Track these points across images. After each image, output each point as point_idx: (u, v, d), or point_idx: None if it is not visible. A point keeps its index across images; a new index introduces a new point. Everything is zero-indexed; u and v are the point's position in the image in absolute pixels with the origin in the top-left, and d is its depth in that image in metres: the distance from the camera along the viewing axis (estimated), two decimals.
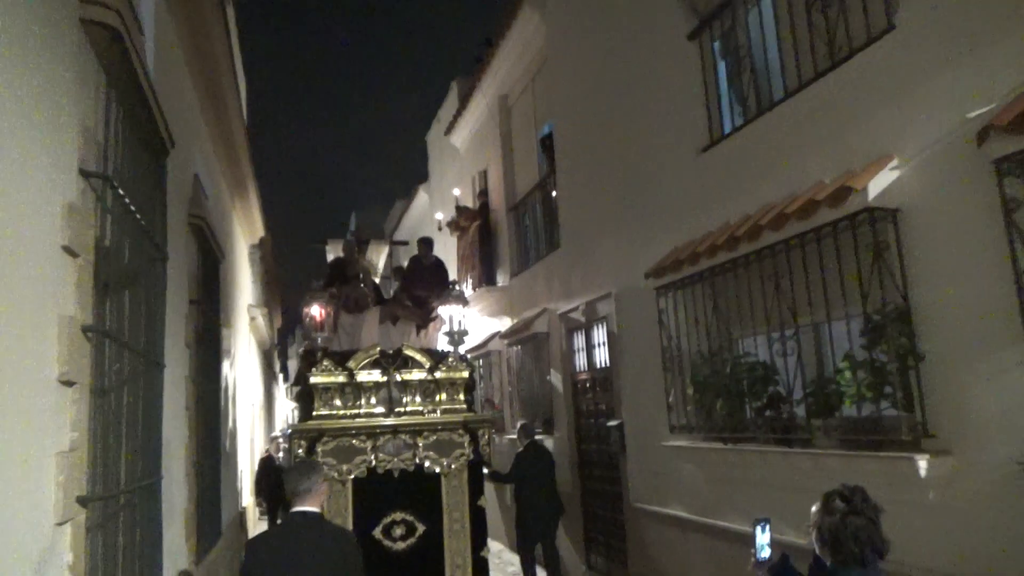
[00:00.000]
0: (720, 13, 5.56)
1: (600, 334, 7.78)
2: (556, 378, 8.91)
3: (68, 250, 2.87)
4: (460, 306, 7.11)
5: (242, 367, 11.98)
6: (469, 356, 8.89)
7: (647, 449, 6.57)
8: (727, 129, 5.56)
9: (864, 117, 4.11)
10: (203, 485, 6.40)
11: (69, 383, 2.82)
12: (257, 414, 16.69)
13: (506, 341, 10.53)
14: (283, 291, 20.38)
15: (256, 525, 14.67)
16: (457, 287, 8.04)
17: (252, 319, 13.82)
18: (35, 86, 2.57)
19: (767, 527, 2.92)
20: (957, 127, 3.48)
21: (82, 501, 2.88)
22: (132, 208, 3.63)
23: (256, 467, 14.66)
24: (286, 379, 37.83)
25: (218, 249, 7.62)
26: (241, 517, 11.30)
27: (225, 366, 8.57)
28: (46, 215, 2.69)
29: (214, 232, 7.28)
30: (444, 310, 7.24)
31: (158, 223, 4.45)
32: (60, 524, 2.69)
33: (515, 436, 8.30)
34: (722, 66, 5.73)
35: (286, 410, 37.46)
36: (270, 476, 12.72)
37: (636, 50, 6.74)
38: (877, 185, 3.87)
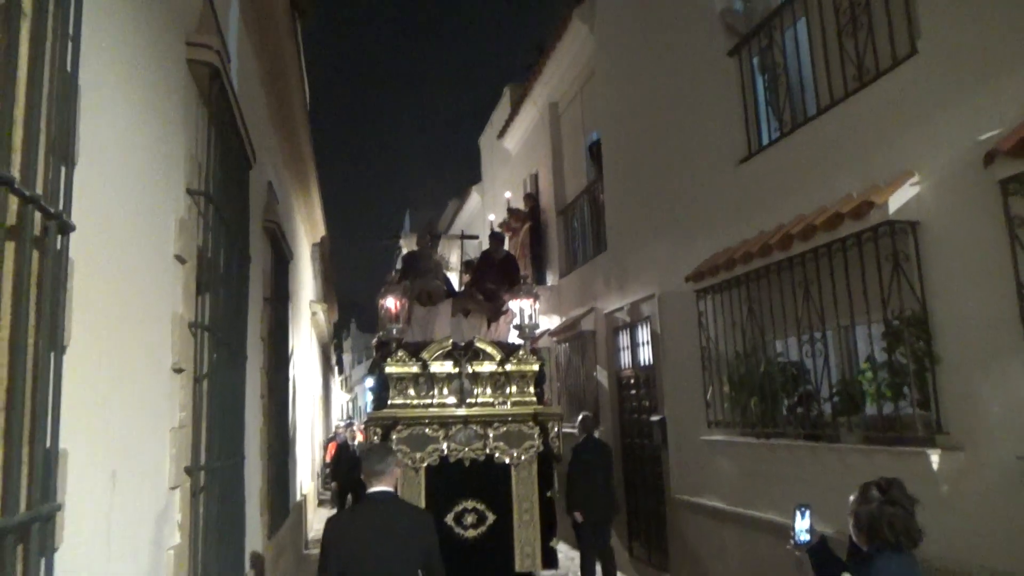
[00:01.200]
0: (758, 32, 5.86)
1: (644, 333, 8.13)
2: (602, 375, 9.29)
3: (179, 258, 3.41)
4: (530, 300, 7.27)
5: (304, 360, 12.64)
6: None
7: (687, 443, 6.91)
8: (764, 142, 5.86)
9: (888, 135, 4.40)
10: (274, 468, 6.98)
11: (179, 370, 3.36)
12: (317, 405, 17.46)
13: (555, 339, 10.93)
14: (338, 286, 21.16)
15: (316, 511, 15.35)
16: (527, 281, 8.24)
17: (313, 314, 14.52)
18: (156, 123, 3.09)
19: (807, 513, 3.10)
20: (970, 148, 3.76)
21: (188, 471, 3.42)
22: (225, 219, 4.17)
23: (321, 453, 15.30)
24: (340, 372, 38.93)
25: (287, 249, 8.21)
26: (302, 503, 11.91)
27: (291, 359, 9.18)
28: (163, 229, 3.22)
29: (284, 234, 7.87)
30: (514, 304, 7.40)
31: (243, 230, 5.00)
32: (172, 488, 3.23)
33: (571, 429, 8.27)
34: (760, 81, 6.03)
35: (341, 401, 38.50)
36: (345, 462, 13.27)
37: (679, 64, 7.07)
38: (898, 200, 4.16)
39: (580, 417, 7.99)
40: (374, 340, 9.34)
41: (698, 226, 6.68)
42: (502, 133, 13.93)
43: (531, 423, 6.55)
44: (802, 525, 3.08)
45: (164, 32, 3.25)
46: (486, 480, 6.45)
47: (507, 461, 6.46)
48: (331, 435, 20.54)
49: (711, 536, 6.53)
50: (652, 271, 7.70)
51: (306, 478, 13.10)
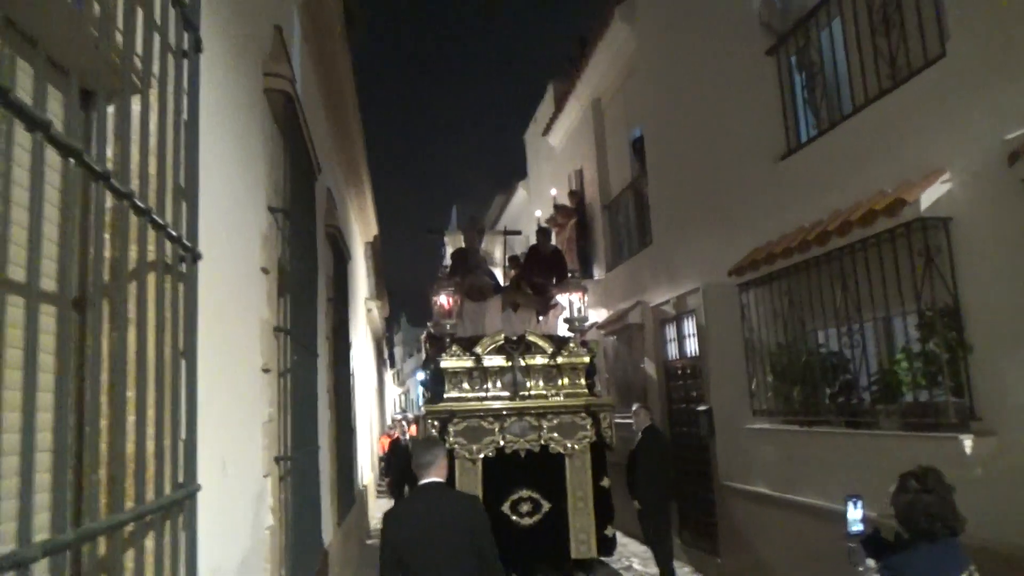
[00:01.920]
0: (795, 31, 6.04)
1: (689, 325, 8.36)
2: (649, 366, 9.54)
3: (263, 269, 3.81)
4: (579, 293, 7.36)
5: (361, 356, 13.15)
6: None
7: (733, 431, 7.14)
8: (803, 139, 6.05)
9: (920, 133, 4.58)
10: (341, 458, 7.44)
11: (267, 370, 3.76)
12: (373, 399, 18.03)
13: (603, 331, 11.19)
14: (388, 281, 21.69)
15: (376, 502, 15.87)
16: (575, 274, 8.30)
17: (368, 311, 15.05)
18: (243, 150, 3.49)
19: (859, 503, 3.14)
20: (997, 147, 3.94)
21: (277, 460, 3.83)
22: (298, 230, 4.57)
23: (377, 448, 15.73)
24: (392, 365, 39.69)
25: (346, 251, 8.66)
26: (364, 493, 12.39)
27: (351, 356, 9.65)
28: (251, 244, 3.62)
29: (343, 236, 8.31)
30: (563, 297, 7.53)
31: (312, 237, 5.42)
32: (265, 476, 3.63)
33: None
34: (797, 79, 6.21)
35: (394, 395, 39.25)
36: (400, 456, 13.50)
37: (718, 63, 7.27)
38: (930, 196, 4.35)
39: (635, 407, 8.04)
40: (423, 335, 9.60)
41: (739, 221, 6.89)
42: (546, 130, 14.20)
43: (583, 414, 6.66)
44: (855, 515, 3.12)
45: (249, 67, 3.65)
46: (541, 470, 6.58)
47: (561, 451, 6.59)
48: (387, 428, 21.12)
49: (758, 521, 6.76)
50: (696, 265, 7.92)
51: (366, 469, 13.62)
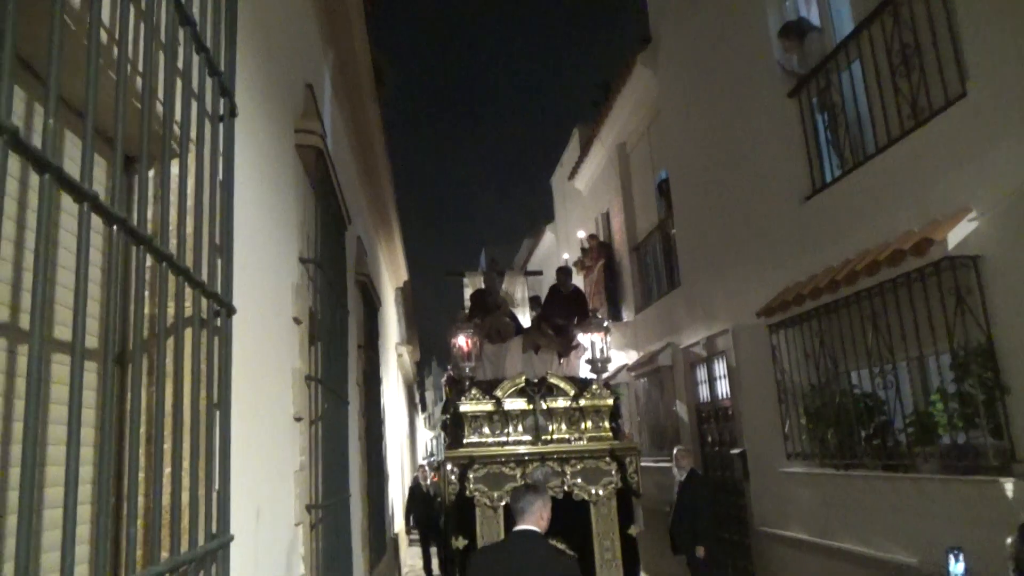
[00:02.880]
0: (816, 74, 6.10)
1: (720, 367, 8.29)
2: (681, 408, 9.45)
3: (296, 319, 3.90)
4: (601, 333, 7.14)
5: (392, 402, 13.20)
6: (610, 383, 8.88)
7: (767, 475, 7.02)
8: (827, 179, 6.06)
9: (945, 172, 4.57)
10: (372, 505, 7.44)
11: (298, 419, 3.82)
12: (404, 444, 18.03)
13: (633, 373, 11.14)
14: (419, 325, 21.87)
15: (407, 551, 15.69)
16: (598, 314, 8.07)
17: (399, 356, 15.16)
18: (276, 204, 3.60)
19: (960, 556, 3.02)
20: (1021, 185, 3.93)
21: (308, 508, 3.86)
22: (329, 280, 4.67)
23: (405, 494, 15.58)
24: (423, 410, 39.70)
25: (376, 298, 8.77)
26: (395, 541, 12.31)
27: (382, 402, 9.71)
28: (284, 296, 3.72)
29: (373, 284, 8.43)
30: (584, 338, 7.31)
31: (342, 286, 5.53)
32: (297, 524, 3.66)
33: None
34: (820, 120, 6.25)
35: (425, 439, 39.17)
36: (420, 503, 13.34)
37: (741, 105, 7.35)
38: (957, 235, 4.33)
39: (676, 451, 7.93)
40: (444, 378, 9.45)
41: (767, 261, 6.87)
42: (573, 174, 14.36)
43: (608, 459, 6.45)
44: (956, 570, 3.00)
45: (282, 124, 3.79)
46: (565, 518, 6.14)
47: (585, 498, 6.36)
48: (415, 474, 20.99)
49: (796, 567, 6.60)
50: (725, 306, 7.89)
51: (398, 516, 13.56)
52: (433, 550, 12.84)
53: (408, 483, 16.91)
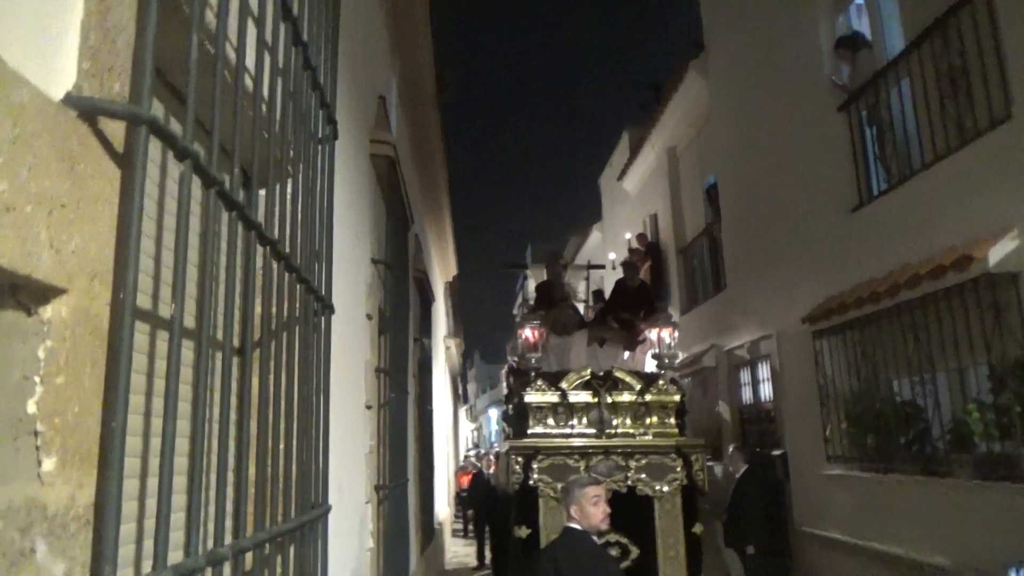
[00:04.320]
0: (865, 90, 6.26)
1: (763, 370, 8.47)
2: (724, 410, 9.64)
3: (368, 315, 4.25)
4: (669, 329, 7.07)
5: (439, 393, 13.59)
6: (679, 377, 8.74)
7: (808, 477, 7.21)
8: (874, 192, 6.21)
9: (988, 191, 4.73)
10: (423, 491, 7.83)
11: (369, 406, 4.18)
12: (449, 435, 18.47)
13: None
14: (464, 319, 22.29)
15: (451, 540, 15.99)
16: (665, 309, 8.07)
17: (447, 348, 15.56)
18: (354, 211, 3.96)
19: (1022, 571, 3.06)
20: None
21: (376, 488, 4.22)
22: (395, 278, 5.03)
23: (454, 484, 15.86)
24: (466, 401, 40.21)
25: (431, 294, 9.16)
26: (440, 530, 12.59)
27: (433, 392, 10.10)
28: (359, 294, 4.07)
29: (428, 279, 8.81)
30: (652, 332, 7.23)
31: (405, 283, 5.90)
32: (367, 502, 4.03)
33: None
34: (868, 135, 6.40)
35: (467, 431, 39.66)
36: (481, 490, 13.55)
37: (790, 116, 7.51)
38: (998, 253, 4.48)
39: (732, 449, 8.04)
40: (504, 369, 9.45)
41: (812, 269, 7.04)
42: (622, 175, 14.56)
43: (673, 455, 6.34)
44: None
45: (360, 136, 4.15)
46: (629, 513, 6.09)
47: (650, 494, 6.26)
48: (461, 464, 21.42)
49: (837, 568, 6.77)
50: (770, 311, 8.07)
51: (442, 505, 13.95)
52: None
53: (452, 473, 17.29)
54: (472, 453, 19.73)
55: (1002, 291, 4.50)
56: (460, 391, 34.52)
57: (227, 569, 1.76)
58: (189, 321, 1.89)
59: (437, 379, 12.81)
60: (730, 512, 7.55)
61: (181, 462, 2.00)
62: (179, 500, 1.77)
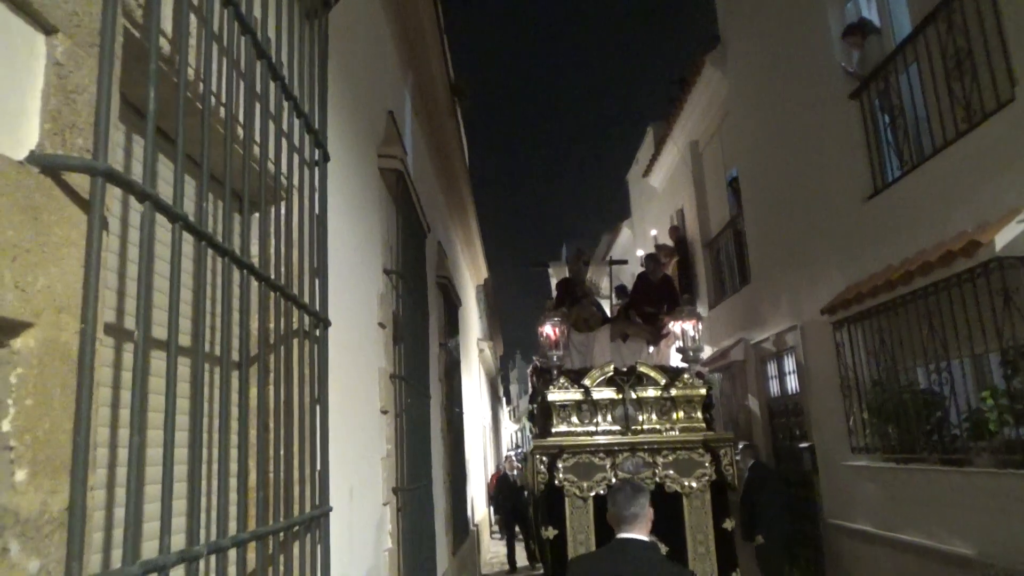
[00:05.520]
0: (875, 76, 6.23)
1: (790, 363, 8.44)
2: (753, 403, 9.61)
3: (380, 324, 4.41)
4: (693, 321, 6.93)
5: (473, 395, 13.75)
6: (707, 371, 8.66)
7: (834, 469, 7.18)
8: (889, 179, 6.18)
9: (996, 173, 4.69)
10: (454, 493, 7.98)
11: (384, 412, 4.34)
12: (488, 436, 18.64)
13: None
14: (503, 320, 22.43)
15: (489, 540, 16.14)
16: (689, 301, 7.88)
17: (480, 351, 15.72)
18: (362, 224, 4.12)
19: None
20: None
21: (394, 491, 4.38)
22: (410, 286, 5.19)
23: (491, 485, 16.00)
24: (508, 402, 40.44)
25: (456, 299, 9.31)
26: (476, 531, 12.75)
27: (463, 395, 10.26)
28: (370, 304, 4.23)
29: (454, 285, 8.96)
30: (675, 326, 7.13)
31: (423, 291, 6.05)
32: (384, 504, 4.18)
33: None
34: (881, 121, 6.36)
35: (510, 431, 39.86)
36: (506, 493, 13.72)
37: (805, 106, 7.48)
38: (1005, 237, 4.45)
39: (741, 446, 7.99)
40: (529, 368, 9.47)
41: (831, 259, 7.02)
42: (647, 171, 14.57)
43: (701, 450, 6.23)
44: None
45: (367, 151, 4.31)
46: (657, 510, 5.70)
47: (678, 490, 6.19)
48: (498, 466, 21.56)
49: (865, 560, 6.74)
50: (793, 302, 8.04)
51: (480, 506, 14.11)
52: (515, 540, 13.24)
53: (491, 473, 17.42)
54: (512, 453, 19.84)
55: (1011, 276, 4.47)
56: (502, 392, 34.75)
57: (232, 570, 1.92)
58: (185, 341, 2.05)
59: (470, 382, 12.97)
60: (741, 505, 7.68)
61: (181, 470, 2.16)
62: (179, 505, 1.93)
